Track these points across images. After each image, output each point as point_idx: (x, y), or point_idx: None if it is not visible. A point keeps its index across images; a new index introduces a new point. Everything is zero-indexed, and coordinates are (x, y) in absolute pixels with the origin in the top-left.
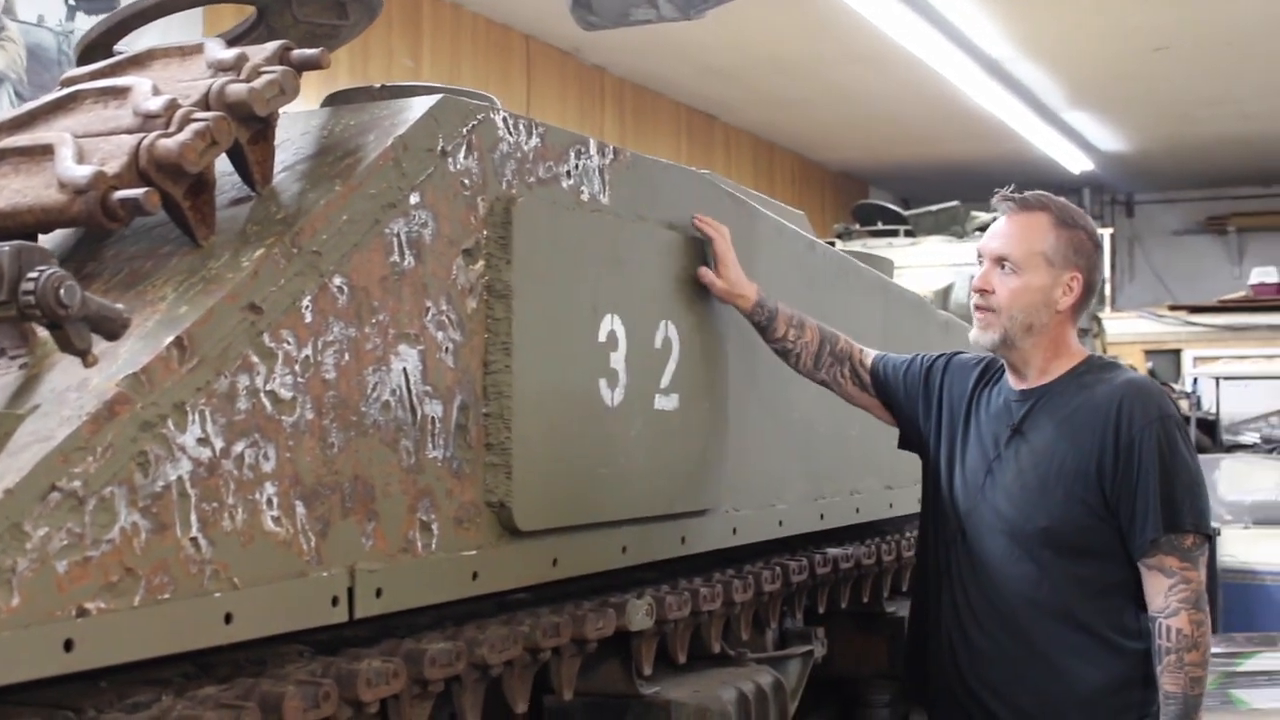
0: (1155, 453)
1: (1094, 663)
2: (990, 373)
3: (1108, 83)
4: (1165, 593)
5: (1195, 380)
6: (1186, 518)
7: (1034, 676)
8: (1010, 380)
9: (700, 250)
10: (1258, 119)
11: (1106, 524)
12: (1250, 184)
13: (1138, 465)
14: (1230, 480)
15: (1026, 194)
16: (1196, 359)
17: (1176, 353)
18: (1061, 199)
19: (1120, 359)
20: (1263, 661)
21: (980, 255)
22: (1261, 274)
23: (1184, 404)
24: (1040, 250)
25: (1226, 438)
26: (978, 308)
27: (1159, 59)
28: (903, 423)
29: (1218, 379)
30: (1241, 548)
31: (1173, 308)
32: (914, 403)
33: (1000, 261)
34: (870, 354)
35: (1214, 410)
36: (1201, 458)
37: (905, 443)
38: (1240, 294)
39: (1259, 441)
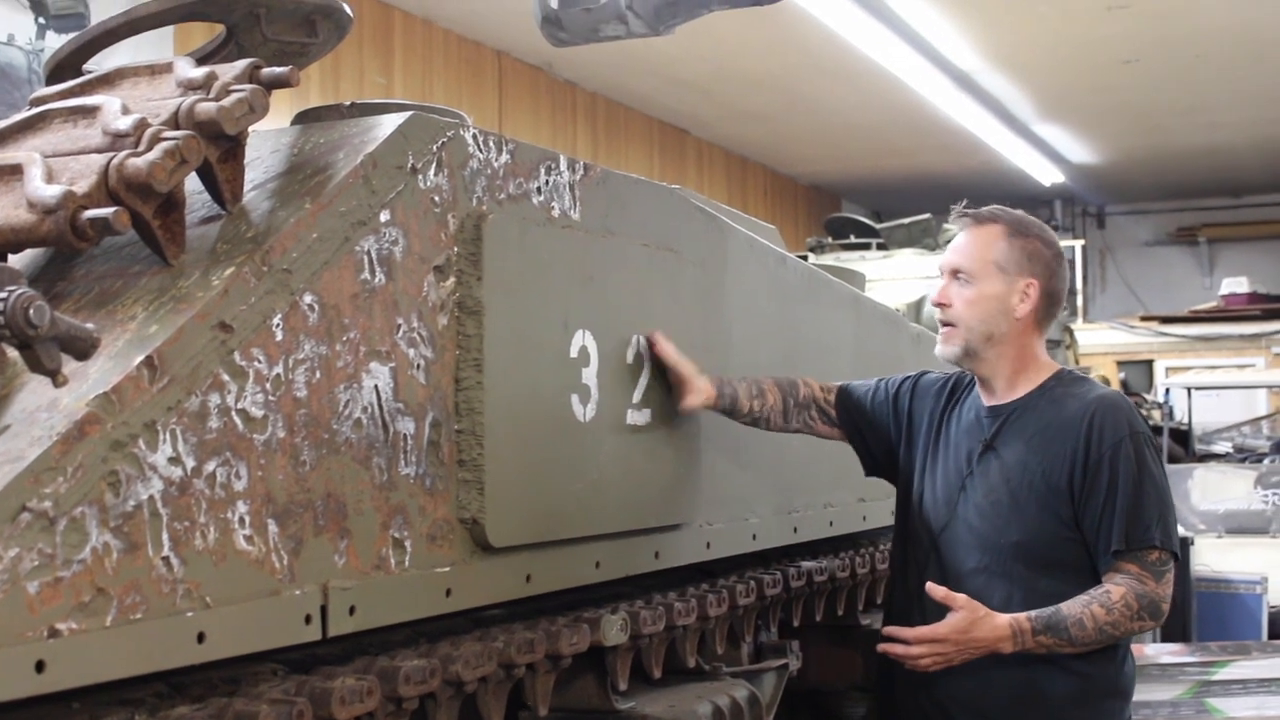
0: (1123, 468)
1: (1066, 675)
2: (959, 390)
3: (1077, 95)
4: (1113, 581)
5: (1167, 390)
6: (1152, 533)
7: (1006, 689)
8: (981, 396)
9: (672, 265)
10: (1227, 129)
11: (1078, 538)
12: (1220, 195)
13: (1106, 480)
14: (1203, 489)
15: (982, 209)
16: (1169, 369)
17: (1149, 363)
18: (1019, 212)
19: (1092, 371)
20: (1237, 670)
21: (940, 271)
22: (1232, 284)
23: (1156, 414)
24: (991, 259)
25: (1199, 447)
26: (940, 322)
27: (1128, 71)
28: (871, 448)
29: (1190, 389)
30: (1214, 557)
31: (1144, 318)
32: (883, 427)
33: (955, 274)
34: (833, 388)
35: (1186, 420)
36: (1174, 467)
37: (874, 469)
38: (1211, 304)
39: (1231, 451)
